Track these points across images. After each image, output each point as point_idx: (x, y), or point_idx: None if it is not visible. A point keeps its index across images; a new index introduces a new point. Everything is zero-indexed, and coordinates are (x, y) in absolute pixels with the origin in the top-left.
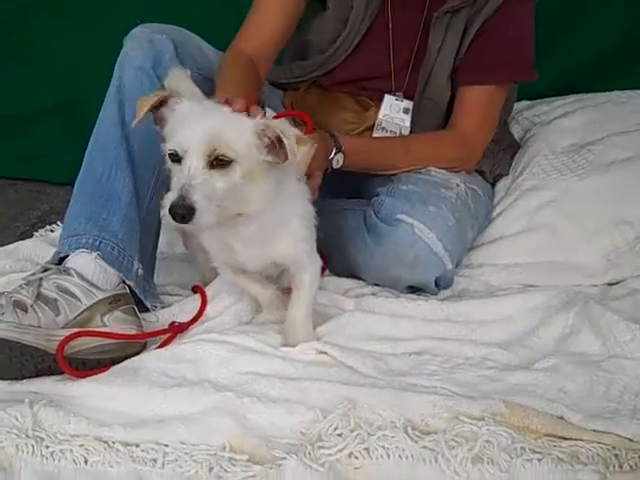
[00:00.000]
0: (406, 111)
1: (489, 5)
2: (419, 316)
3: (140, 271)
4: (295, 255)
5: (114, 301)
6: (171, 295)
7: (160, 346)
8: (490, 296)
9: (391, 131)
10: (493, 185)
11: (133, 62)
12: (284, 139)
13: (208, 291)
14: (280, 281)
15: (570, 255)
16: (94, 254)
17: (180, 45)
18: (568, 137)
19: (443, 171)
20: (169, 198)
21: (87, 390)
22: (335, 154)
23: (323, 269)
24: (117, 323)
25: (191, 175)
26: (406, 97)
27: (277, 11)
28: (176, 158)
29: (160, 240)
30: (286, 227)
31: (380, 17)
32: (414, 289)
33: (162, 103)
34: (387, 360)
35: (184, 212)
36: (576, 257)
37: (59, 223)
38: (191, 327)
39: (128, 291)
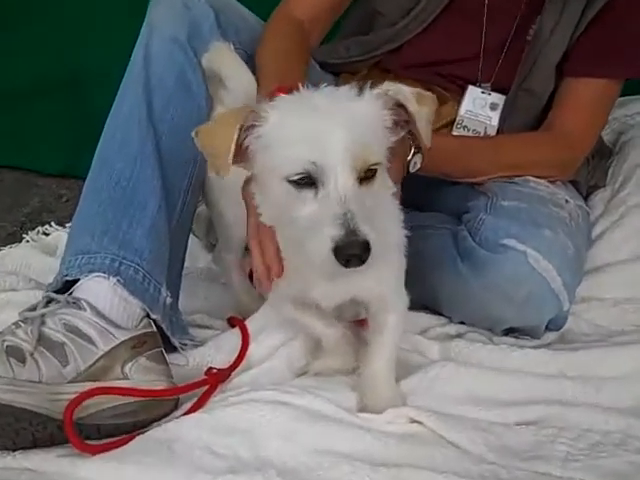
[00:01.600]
0: (494, 107)
1: None
2: (527, 369)
3: (168, 300)
4: (383, 291)
5: (138, 344)
6: (200, 327)
7: (197, 404)
8: (610, 344)
9: (474, 130)
10: (586, 198)
11: (164, 31)
12: (404, 101)
13: (249, 325)
14: (346, 315)
15: None
16: (113, 280)
17: (222, 12)
18: None
19: (544, 182)
20: (328, 236)
21: (104, 472)
22: (413, 155)
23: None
24: (142, 374)
25: (347, 199)
26: (494, 89)
27: None
28: (305, 181)
29: None
30: (381, 256)
31: None
32: (510, 329)
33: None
34: (499, 433)
35: (361, 252)
36: None
37: (52, 224)
38: (232, 374)
39: (155, 328)
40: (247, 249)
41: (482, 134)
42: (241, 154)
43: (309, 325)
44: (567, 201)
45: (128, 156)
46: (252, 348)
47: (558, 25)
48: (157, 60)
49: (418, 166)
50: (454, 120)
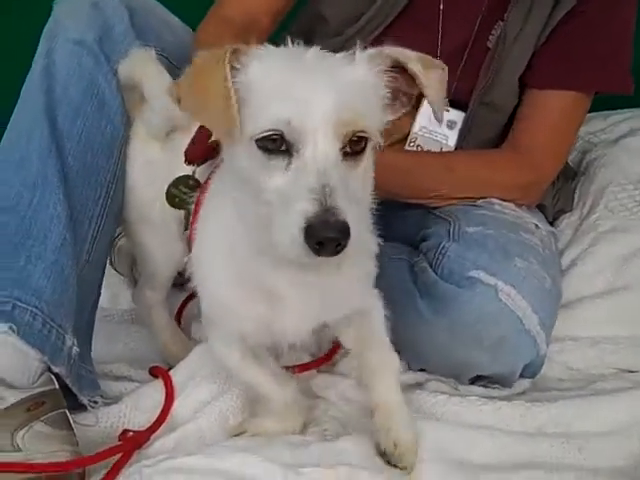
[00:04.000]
0: (451, 125)
1: None
2: (501, 426)
3: (75, 349)
4: (365, 299)
5: (34, 406)
6: (117, 379)
7: (107, 478)
8: (591, 392)
9: (428, 150)
10: (551, 224)
11: (69, 33)
12: (404, 60)
13: (174, 376)
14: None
15: None
16: (3, 327)
17: (139, 14)
18: None
19: (510, 205)
20: (299, 212)
21: None
22: None
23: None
24: (38, 443)
25: (327, 171)
26: (452, 105)
27: None
28: (275, 146)
29: None
30: (362, 257)
31: None
32: (478, 377)
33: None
34: None
35: (338, 235)
36: None
37: None
38: (152, 437)
39: (56, 384)
40: (175, 285)
41: None
42: None
43: (260, 384)
44: (537, 226)
45: (27, 179)
46: (177, 404)
47: (522, 31)
48: (61, 67)
49: None
50: (406, 137)
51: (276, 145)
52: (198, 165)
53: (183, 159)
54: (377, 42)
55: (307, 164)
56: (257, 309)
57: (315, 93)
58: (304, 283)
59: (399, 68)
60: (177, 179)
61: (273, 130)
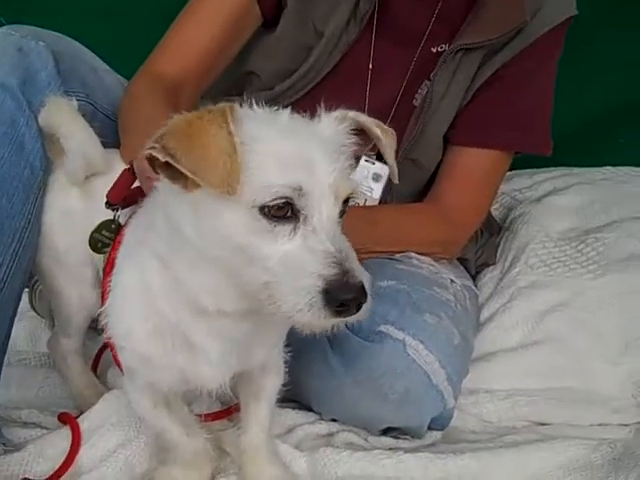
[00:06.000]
0: (376, 178)
1: (509, 47)
2: (405, 478)
3: None
4: (273, 355)
5: None
6: (25, 426)
7: None
8: (500, 444)
9: (355, 203)
10: (474, 277)
11: None
12: (368, 126)
13: (82, 423)
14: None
15: (589, 381)
16: None
17: (64, 59)
18: (566, 220)
19: (428, 259)
20: (318, 276)
21: None
22: None
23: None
24: None
25: (336, 234)
26: (379, 159)
27: (210, 27)
28: (281, 212)
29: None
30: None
31: (356, 49)
32: (390, 428)
33: None
34: None
35: (361, 296)
36: (597, 384)
37: None
38: None
39: None
40: (94, 329)
41: None
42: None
43: (170, 432)
44: (452, 281)
45: None
46: (83, 452)
47: (448, 91)
48: None
49: None
50: None
51: (283, 212)
52: (120, 209)
53: (104, 201)
54: (307, 97)
55: (316, 229)
56: (176, 359)
57: (317, 160)
58: (222, 335)
59: (357, 130)
60: (100, 224)
61: (285, 198)
